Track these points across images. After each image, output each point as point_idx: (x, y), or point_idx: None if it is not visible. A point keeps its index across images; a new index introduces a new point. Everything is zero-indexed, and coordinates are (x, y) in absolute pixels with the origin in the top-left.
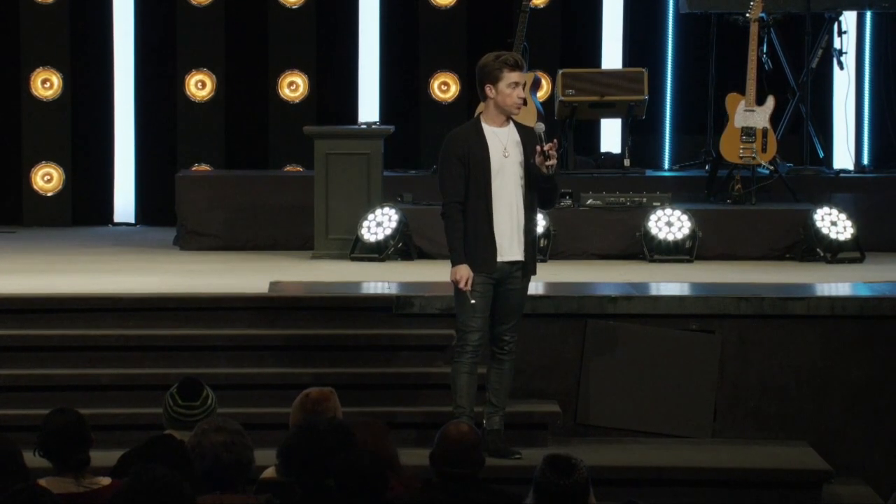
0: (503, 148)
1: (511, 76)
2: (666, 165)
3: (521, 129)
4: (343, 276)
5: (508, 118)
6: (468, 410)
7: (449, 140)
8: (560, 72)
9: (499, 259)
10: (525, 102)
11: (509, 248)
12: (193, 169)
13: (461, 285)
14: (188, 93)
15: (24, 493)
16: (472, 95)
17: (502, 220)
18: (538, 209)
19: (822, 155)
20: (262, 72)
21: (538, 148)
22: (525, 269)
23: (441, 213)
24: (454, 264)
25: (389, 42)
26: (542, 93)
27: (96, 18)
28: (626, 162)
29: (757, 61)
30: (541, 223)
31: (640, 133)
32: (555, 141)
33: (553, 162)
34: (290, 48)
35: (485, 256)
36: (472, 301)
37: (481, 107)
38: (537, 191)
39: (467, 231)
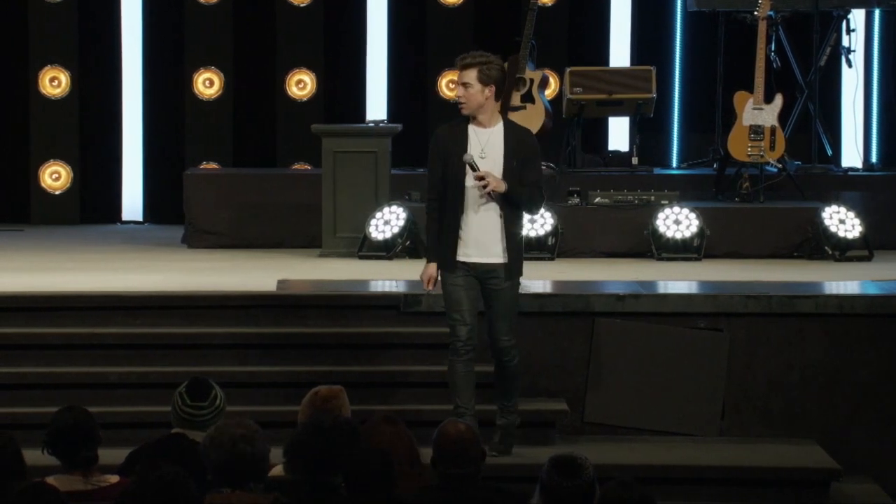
0: (481, 149)
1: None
2: (674, 163)
3: (513, 130)
4: (351, 274)
5: (502, 118)
6: (470, 410)
7: (433, 137)
8: (568, 70)
9: (462, 259)
10: (465, 102)
11: (476, 248)
12: (201, 167)
13: (424, 285)
14: (196, 91)
15: (32, 490)
16: None
17: (472, 221)
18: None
19: (830, 153)
20: (270, 70)
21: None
22: (510, 270)
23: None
24: (426, 262)
25: (397, 40)
26: (550, 91)
27: (104, 16)
28: (634, 160)
29: (765, 59)
30: (549, 221)
31: (648, 131)
32: (480, 172)
33: (488, 189)
34: (298, 46)
35: (446, 254)
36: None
37: None
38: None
39: (441, 227)
